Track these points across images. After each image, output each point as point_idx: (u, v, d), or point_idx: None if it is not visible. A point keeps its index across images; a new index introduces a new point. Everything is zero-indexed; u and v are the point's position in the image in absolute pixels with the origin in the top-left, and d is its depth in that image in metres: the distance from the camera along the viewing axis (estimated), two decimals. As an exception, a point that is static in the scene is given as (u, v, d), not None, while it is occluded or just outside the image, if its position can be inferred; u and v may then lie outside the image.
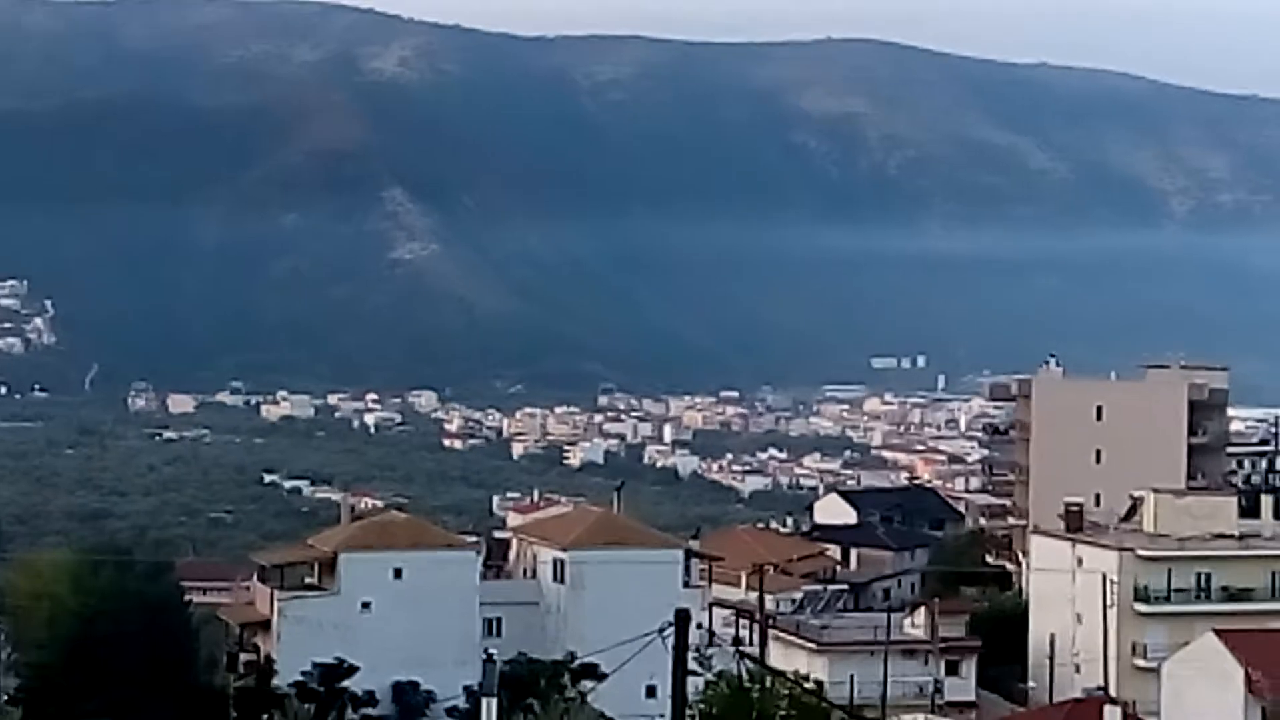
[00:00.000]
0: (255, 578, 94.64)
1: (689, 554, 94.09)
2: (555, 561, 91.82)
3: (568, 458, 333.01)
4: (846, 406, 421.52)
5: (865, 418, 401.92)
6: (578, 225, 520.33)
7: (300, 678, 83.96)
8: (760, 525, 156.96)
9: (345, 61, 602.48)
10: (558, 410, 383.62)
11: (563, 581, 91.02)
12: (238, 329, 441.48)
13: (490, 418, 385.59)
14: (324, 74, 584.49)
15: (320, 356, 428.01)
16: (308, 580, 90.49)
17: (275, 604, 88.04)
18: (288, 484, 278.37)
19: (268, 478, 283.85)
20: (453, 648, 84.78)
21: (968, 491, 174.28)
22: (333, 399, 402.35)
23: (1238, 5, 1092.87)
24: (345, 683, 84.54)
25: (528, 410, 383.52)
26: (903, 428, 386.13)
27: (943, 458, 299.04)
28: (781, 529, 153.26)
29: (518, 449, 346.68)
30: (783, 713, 54.63)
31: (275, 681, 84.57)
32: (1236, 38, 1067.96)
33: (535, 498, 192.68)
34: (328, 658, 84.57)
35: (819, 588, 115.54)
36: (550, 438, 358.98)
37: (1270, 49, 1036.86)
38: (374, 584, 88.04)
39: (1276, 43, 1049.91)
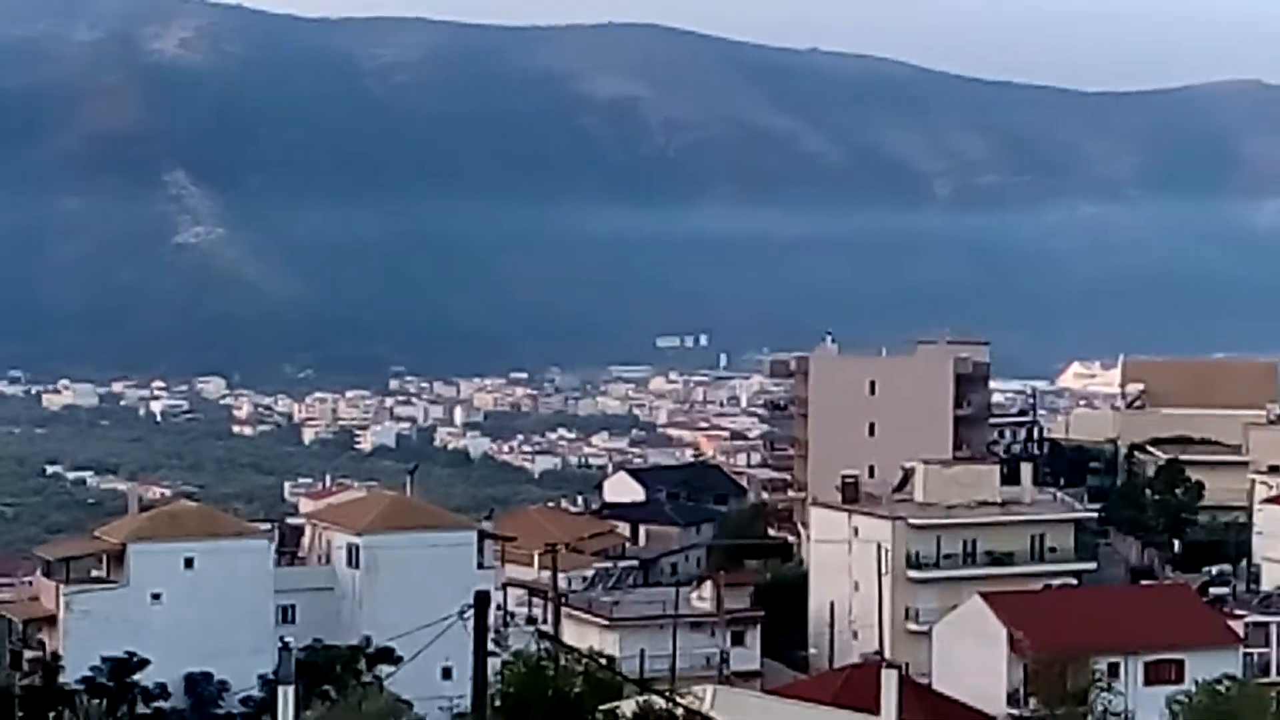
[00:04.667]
0: (39, 572, 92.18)
1: (482, 535, 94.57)
2: (349, 547, 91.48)
3: (359, 442, 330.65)
4: (632, 386, 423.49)
5: (651, 397, 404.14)
6: (365, 208, 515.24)
7: (89, 673, 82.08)
8: (551, 505, 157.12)
9: (125, 41, 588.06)
10: (348, 394, 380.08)
11: (357, 567, 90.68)
12: (16, 315, 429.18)
13: (280, 403, 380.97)
14: (104, 54, 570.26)
15: (104, 343, 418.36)
16: (95, 573, 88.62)
17: (61, 598, 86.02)
18: (71, 475, 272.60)
19: (50, 469, 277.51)
20: (247, 637, 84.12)
21: (750, 466, 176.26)
22: (117, 387, 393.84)
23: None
24: (136, 676, 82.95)
25: (318, 395, 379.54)
26: (687, 406, 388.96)
27: (726, 434, 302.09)
28: (572, 508, 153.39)
29: (309, 434, 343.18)
30: (577, 688, 56.46)
31: (62, 678, 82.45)
32: (996, 26, 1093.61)
33: (327, 483, 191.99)
34: (117, 652, 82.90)
35: (609, 565, 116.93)
36: (341, 422, 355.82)
37: (1025, 37, 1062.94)
38: (164, 575, 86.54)
39: (1031, 31, 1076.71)
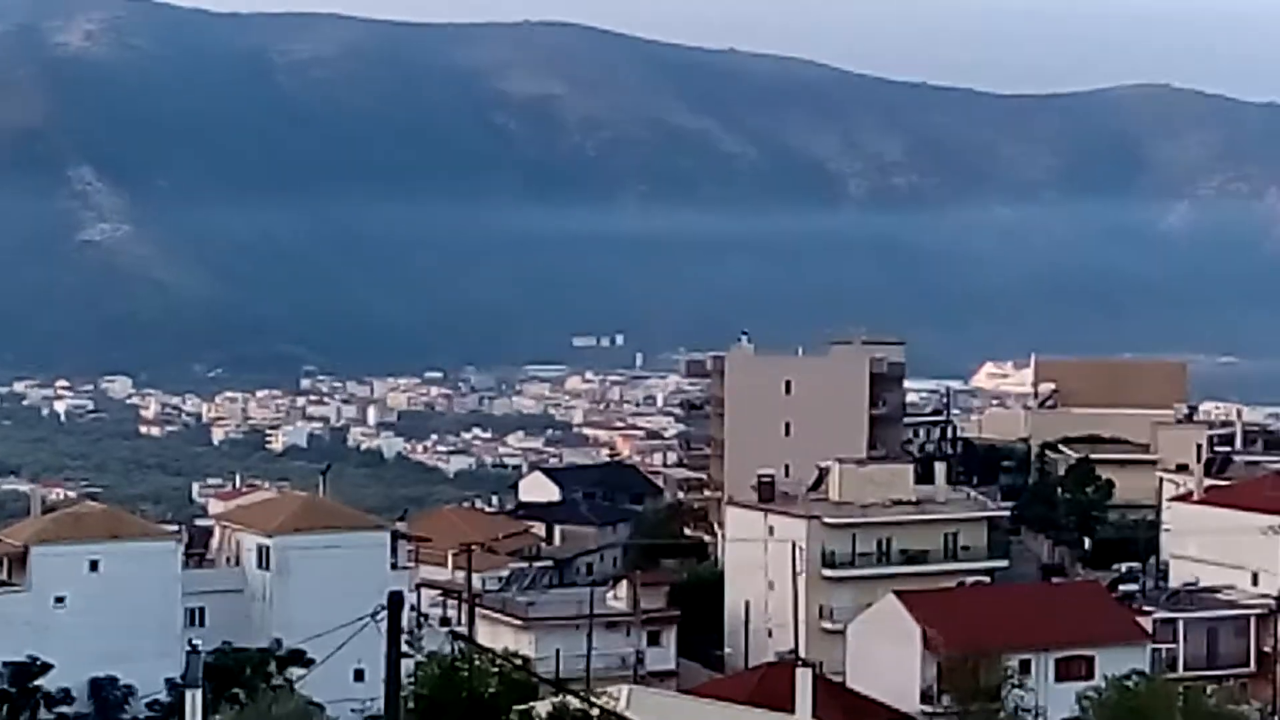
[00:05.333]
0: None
1: (396, 536, 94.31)
2: (260, 548, 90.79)
3: (270, 442, 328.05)
4: (548, 385, 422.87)
5: (566, 396, 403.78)
6: (276, 205, 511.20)
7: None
8: (466, 505, 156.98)
9: (29, 34, 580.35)
10: (259, 394, 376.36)
11: (268, 568, 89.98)
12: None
13: (189, 403, 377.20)
14: (6, 47, 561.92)
15: (6, 342, 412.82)
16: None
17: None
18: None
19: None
20: (153, 640, 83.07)
21: (666, 466, 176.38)
22: (20, 386, 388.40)
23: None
24: (38, 681, 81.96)
25: (228, 395, 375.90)
26: (603, 405, 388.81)
27: (642, 434, 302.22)
28: (487, 508, 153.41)
29: (218, 434, 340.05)
30: (492, 689, 56.27)
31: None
32: (912, 28, 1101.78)
33: (237, 484, 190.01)
34: (19, 656, 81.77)
35: (525, 565, 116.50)
36: (252, 422, 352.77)
37: (941, 40, 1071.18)
38: (68, 578, 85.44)
39: (946, 34, 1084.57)
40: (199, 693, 47.34)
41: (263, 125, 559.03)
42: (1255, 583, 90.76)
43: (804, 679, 61.02)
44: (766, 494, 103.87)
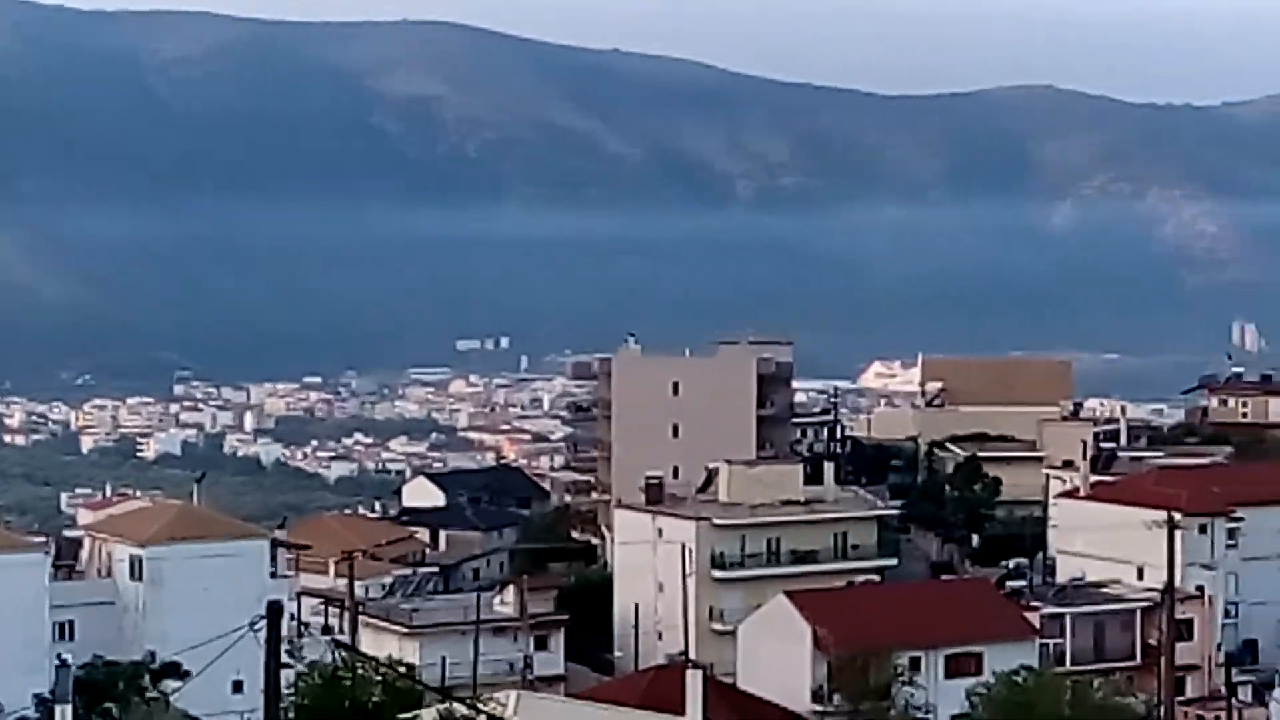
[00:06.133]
0: None
1: (275, 544, 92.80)
2: (132, 559, 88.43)
3: (142, 450, 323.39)
4: (432, 389, 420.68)
5: (451, 400, 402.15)
6: (147, 208, 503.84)
7: None
8: (348, 511, 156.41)
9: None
10: (130, 401, 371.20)
11: (141, 579, 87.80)
12: None
13: (56, 411, 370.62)
14: None
15: None
16: None
17: None
18: None
19: None
20: (20, 655, 80.00)
21: (553, 469, 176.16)
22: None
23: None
24: None
25: (97, 402, 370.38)
26: (488, 409, 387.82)
27: (528, 437, 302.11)
28: (369, 514, 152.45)
29: (87, 443, 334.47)
30: (376, 698, 55.34)
31: None
32: (798, 29, 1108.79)
33: (108, 493, 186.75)
34: None
35: (409, 571, 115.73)
36: (123, 430, 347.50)
37: (827, 40, 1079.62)
38: None
39: (833, 34, 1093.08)
40: (68, 708, 45.94)
41: (132, 126, 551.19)
42: (1141, 577, 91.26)
43: (694, 681, 60.77)
44: (655, 496, 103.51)
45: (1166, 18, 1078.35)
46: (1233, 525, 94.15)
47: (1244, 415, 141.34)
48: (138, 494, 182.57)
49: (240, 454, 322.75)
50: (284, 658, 35.58)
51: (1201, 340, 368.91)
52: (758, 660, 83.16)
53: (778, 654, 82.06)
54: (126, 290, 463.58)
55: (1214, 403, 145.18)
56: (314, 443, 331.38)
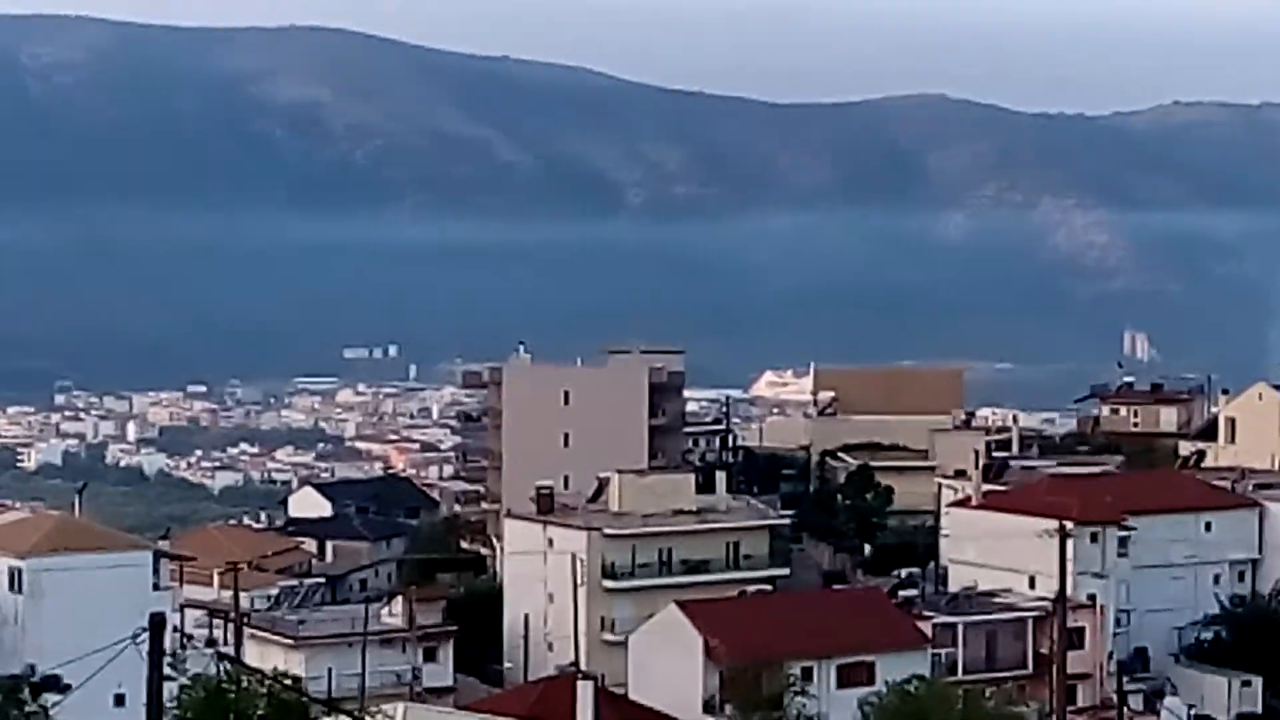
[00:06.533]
0: None
1: (158, 555, 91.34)
2: (11, 570, 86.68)
3: (22, 460, 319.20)
4: (319, 398, 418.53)
5: (338, 409, 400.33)
6: (24, 214, 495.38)
7: None
8: (232, 522, 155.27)
9: None
10: (10, 411, 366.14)
11: (20, 591, 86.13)
12: None
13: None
14: None
15: None
16: None
17: None
18: None
19: None
20: (-107, 671, 79.54)
21: (442, 479, 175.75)
22: None
23: (689, 6, 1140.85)
24: None
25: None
26: (376, 418, 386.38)
27: (416, 446, 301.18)
28: (255, 525, 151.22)
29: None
30: (261, 711, 54.38)
31: None
32: (690, 37, 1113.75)
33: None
34: None
35: (295, 582, 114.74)
36: (2, 440, 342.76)
37: (716, 47, 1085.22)
38: None
39: (725, 43, 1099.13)
40: (-59, 724, 44.58)
41: (10, 131, 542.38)
42: (1032, 586, 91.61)
43: (585, 691, 61.44)
44: (545, 506, 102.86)
45: (1056, 28, 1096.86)
46: (1124, 534, 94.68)
47: (1135, 424, 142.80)
48: (17, 505, 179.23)
49: (123, 464, 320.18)
50: (167, 670, 35.23)
51: (1093, 349, 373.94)
52: (649, 671, 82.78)
53: (669, 664, 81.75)
54: (4, 298, 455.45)
55: (1105, 412, 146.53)
56: (198, 452, 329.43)
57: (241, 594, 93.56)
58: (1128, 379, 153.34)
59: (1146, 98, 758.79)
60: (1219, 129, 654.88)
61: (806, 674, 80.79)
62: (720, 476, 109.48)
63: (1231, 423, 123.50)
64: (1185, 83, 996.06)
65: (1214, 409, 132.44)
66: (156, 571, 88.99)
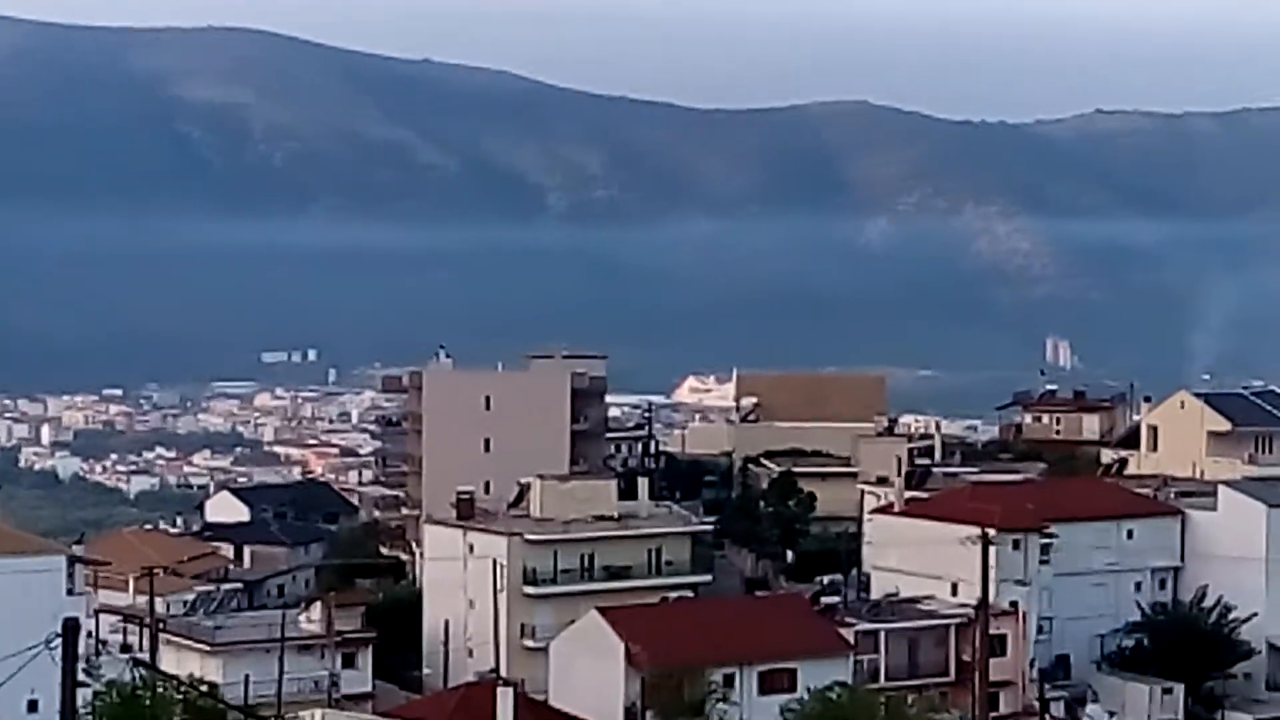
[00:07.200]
0: None
1: (72, 560, 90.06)
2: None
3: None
4: (237, 402, 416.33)
5: (256, 413, 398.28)
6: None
7: None
8: (148, 527, 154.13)
9: None
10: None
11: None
12: None
13: None
14: None
15: None
16: None
17: None
18: None
19: None
20: None
21: (361, 484, 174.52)
22: None
23: (612, 11, 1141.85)
24: None
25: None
26: (295, 422, 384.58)
27: (336, 451, 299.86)
28: (171, 529, 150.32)
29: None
30: (177, 718, 54.19)
31: None
32: (611, 42, 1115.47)
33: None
34: None
35: (211, 588, 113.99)
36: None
37: (639, 52, 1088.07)
38: None
39: (644, 46, 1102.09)
40: None
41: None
42: (955, 593, 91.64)
43: (505, 698, 61.71)
44: (466, 511, 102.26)
45: (981, 36, 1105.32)
46: (1046, 541, 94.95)
47: (1058, 432, 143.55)
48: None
49: (37, 468, 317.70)
50: (81, 676, 35.25)
51: (1015, 356, 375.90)
52: (570, 677, 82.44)
53: (590, 671, 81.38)
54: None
55: (1028, 419, 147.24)
56: (114, 456, 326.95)
57: (157, 599, 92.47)
58: (1050, 386, 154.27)
59: (1069, 106, 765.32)
60: (1141, 137, 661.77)
61: (728, 680, 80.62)
62: (642, 482, 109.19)
63: (1153, 430, 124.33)
64: (1108, 91, 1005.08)
65: (1136, 417, 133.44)
66: (71, 576, 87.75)
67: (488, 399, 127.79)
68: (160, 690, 54.85)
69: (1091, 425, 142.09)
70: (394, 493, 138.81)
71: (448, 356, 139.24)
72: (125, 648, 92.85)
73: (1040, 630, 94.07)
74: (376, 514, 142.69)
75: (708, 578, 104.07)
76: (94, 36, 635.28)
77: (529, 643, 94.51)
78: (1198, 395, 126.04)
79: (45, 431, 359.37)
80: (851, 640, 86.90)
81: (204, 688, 66.74)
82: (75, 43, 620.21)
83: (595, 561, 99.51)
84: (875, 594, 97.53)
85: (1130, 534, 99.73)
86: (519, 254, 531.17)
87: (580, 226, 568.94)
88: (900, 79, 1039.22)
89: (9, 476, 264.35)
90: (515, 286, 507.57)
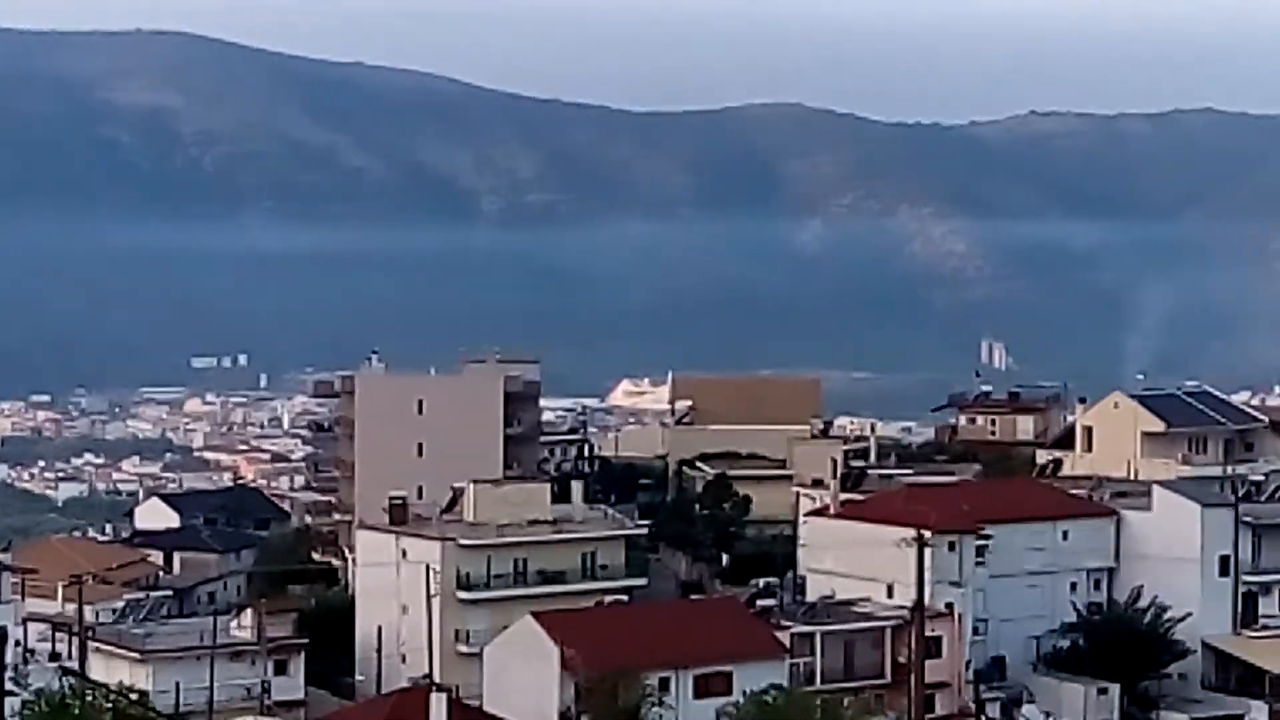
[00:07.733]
0: None
1: (0, 568, 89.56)
2: None
3: None
4: (166, 408, 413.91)
5: (186, 419, 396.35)
6: None
7: None
8: (76, 534, 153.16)
9: None
10: None
11: None
12: None
13: None
14: None
15: None
16: None
17: None
18: None
19: None
20: None
21: (293, 489, 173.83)
22: None
23: (542, 13, 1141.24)
24: None
25: None
26: (225, 428, 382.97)
27: (267, 456, 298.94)
28: (100, 537, 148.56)
29: None
30: None
31: None
32: (544, 45, 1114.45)
33: None
34: None
35: (141, 595, 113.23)
36: None
37: (571, 55, 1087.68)
38: None
39: (576, 49, 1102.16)
40: None
41: None
42: (890, 595, 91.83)
43: (439, 704, 61.97)
44: (399, 516, 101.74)
45: (914, 37, 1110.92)
46: (981, 543, 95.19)
47: (992, 433, 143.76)
48: None
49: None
50: (9, 685, 35.03)
51: (950, 358, 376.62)
52: (504, 682, 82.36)
53: (525, 675, 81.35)
54: None
55: (963, 421, 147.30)
56: (41, 463, 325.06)
57: (86, 607, 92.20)
58: (985, 388, 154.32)
59: (1003, 107, 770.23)
60: (1076, 139, 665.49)
61: (663, 684, 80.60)
62: (576, 486, 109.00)
63: (1088, 431, 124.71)
64: (1042, 93, 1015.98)
65: (1071, 418, 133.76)
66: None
67: (420, 403, 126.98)
68: (89, 699, 54.26)
69: (1026, 426, 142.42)
70: (326, 498, 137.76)
71: (380, 361, 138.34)
72: (54, 656, 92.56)
73: (976, 631, 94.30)
74: (308, 519, 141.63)
75: (642, 581, 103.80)
76: (20, 39, 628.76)
77: (463, 648, 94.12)
78: (1132, 396, 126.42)
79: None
80: (787, 643, 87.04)
81: (134, 696, 66.17)
82: (2, 45, 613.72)
83: (529, 566, 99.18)
84: (811, 596, 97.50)
85: (1065, 535, 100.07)
86: (452, 257, 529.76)
87: (514, 230, 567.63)
88: (835, 81, 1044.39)
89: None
90: (448, 290, 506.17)
